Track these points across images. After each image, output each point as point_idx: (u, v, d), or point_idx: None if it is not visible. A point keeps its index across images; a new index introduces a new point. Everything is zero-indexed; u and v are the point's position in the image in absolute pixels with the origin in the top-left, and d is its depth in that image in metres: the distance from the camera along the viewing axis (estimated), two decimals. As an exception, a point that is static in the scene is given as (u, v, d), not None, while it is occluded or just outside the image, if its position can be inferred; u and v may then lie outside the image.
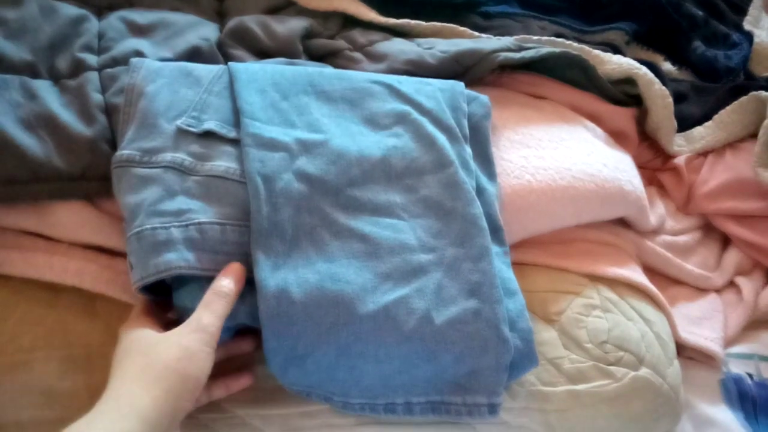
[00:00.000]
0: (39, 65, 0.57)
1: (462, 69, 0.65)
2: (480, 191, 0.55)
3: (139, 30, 0.62)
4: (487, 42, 0.67)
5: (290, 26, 0.66)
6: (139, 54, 0.58)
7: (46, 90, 0.55)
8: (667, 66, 0.83)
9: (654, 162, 0.75)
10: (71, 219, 0.52)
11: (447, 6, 0.75)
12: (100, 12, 0.64)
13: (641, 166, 0.71)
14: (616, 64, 0.70)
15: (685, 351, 0.63)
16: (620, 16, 0.80)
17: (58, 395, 0.48)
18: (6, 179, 0.50)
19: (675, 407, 0.55)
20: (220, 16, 0.70)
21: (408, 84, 0.60)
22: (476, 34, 0.71)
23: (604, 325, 0.56)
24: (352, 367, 0.48)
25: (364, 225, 0.51)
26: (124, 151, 0.51)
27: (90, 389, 0.48)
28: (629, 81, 0.71)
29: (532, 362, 0.50)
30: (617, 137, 0.70)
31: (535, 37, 0.71)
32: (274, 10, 0.71)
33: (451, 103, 0.59)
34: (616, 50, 0.76)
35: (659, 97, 0.70)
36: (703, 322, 0.65)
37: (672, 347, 0.58)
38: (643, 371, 0.54)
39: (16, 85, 0.55)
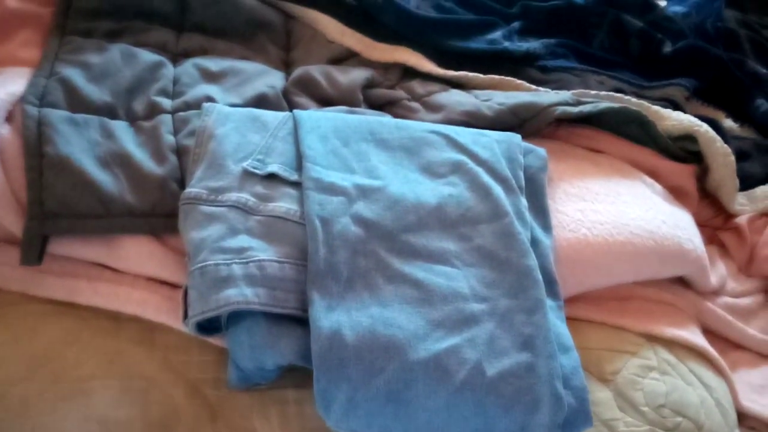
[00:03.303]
0: (117, 107, 0.61)
1: (519, 121, 0.66)
2: (535, 243, 0.55)
3: (211, 77, 0.66)
4: (544, 95, 0.68)
5: (352, 76, 0.68)
6: (210, 99, 0.62)
7: (122, 130, 0.59)
8: (728, 123, 0.81)
9: (715, 220, 0.73)
10: (138, 252, 0.54)
11: (505, 59, 0.76)
12: (176, 59, 0.68)
13: (701, 224, 0.69)
14: (676, 120, 0.70)
15: (746, 420, 0.60)
16: (680, 72, 0.80)
17: (113, 424, 0.49)
18: (81, 213, 0.53)
19: (736, 480, 0.53)
20: (286, 65, 0.73)
21: (465, 134, 0.61)
22: (534, 87, 0.72)
23: (661, 389, 0.54)
24: (400, 415, 0.47)
25: (417, 271, 0.51)
26: (192, 189, 0.53)
27: (144, 421, 0.49)
28: (689, 138, 0.70)
29: (586, 422, 0.49)
30: (676, 194, 0.69)
31: (594, 92, 0.72)
32: (337, 61, 0.74)
33: (507, 154, 0.60)
34: (676, 106, 0.76)
35: (721, 155, 0.69)
36: (766, 391, 0.62)
37: (733, 415, 0.56)
38: (703, 439, 0.52)
39: (95, 124, 0.58)
